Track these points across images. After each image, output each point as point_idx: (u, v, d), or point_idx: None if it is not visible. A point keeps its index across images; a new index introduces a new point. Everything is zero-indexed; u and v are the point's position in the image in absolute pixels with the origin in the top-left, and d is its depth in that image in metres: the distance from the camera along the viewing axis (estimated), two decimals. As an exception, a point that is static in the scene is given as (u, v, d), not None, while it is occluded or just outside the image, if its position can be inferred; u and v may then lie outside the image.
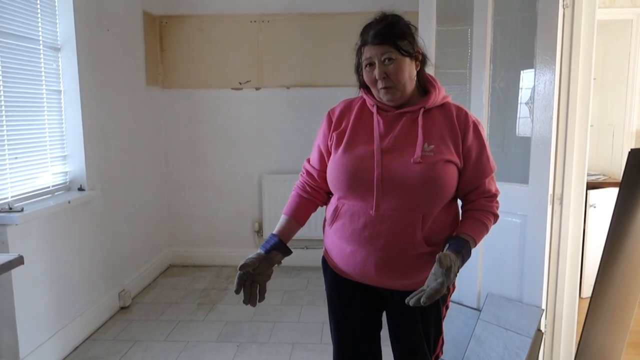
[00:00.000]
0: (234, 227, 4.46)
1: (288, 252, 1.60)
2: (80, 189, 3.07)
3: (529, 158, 2.53)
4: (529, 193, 2.50)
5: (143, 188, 3.98)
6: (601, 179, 3.67)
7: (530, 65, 2.60)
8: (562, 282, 2.51)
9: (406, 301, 1.31)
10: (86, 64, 3.09)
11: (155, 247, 4.22)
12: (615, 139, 3.82)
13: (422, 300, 1.28)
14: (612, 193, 3.42)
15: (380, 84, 1.47)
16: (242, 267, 1.49)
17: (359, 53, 1.52)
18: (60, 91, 3.00)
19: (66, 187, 3.06)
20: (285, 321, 3.30)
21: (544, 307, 2.48)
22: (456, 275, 1.36)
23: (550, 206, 2.45)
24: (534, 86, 2.50)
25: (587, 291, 3.37)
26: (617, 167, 3.80)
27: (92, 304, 3.16)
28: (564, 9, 2.34)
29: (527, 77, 2.73)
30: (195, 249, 4.49)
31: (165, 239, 4.44)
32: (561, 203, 2.46)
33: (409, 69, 1.48)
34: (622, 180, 1.54)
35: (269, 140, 4.36)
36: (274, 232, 1.62)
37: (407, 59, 1.47)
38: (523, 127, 2.79)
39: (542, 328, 2.48)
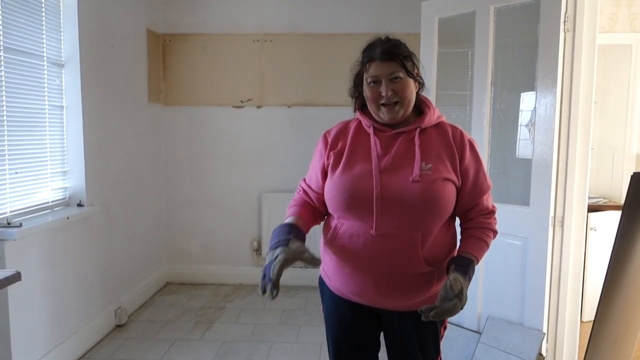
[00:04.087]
0: (233, 245, 4.43)
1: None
2: (80, 205, 3.06)
3: (529, 180, 2.53)
4: (530, 215, 2.49)
5: (142, 204, 3.97)
6: (601, 202, 3.66)
7: (530, 87, 2.61)
8: (564, 305, 2.49)
9: (418, 309, 1.31)
10: (89, 80, 3.10)
11: (153, 264, 4.19)
12: (615, 162, 3.83)
13: (431, 314, 1.29)
14: (613, 216, 3.41)
15: (384, 101, 1.47)
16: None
17: (362, 69, 1.53)
18: (62, 107, 3.01)
19: (65, 203, 3.05)
20: (282, 342, 3.26)
21: (545, 330, 2.46)
22: (467, 296, 1.36)
23: (552, 229, 2.44)
24: (535, 109, 2.51)
25: (588, 315, 3.34)
26: (618, 190, 3.79)
27: (88, 321, 3.13)
28: (565, 33, 2.37)
29: (527, 100, 2.74)
30: (193, 267, 4.45)
31: (164, 256, 4.42)
32: (562, 226, 2.46)
33: (412, 90, 1.50)
34: (624, 204, 1.53)
35: (269, 159, 4.36)
36: (290, 221, 1.52)
37: (411, 80, 1.49)
38: (523, 149, 2.80)
39: (544, 352, 2.45)
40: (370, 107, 1.53)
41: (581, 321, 2.65)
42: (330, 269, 1.61)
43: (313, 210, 1.64)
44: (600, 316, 1.57)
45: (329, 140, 1.61)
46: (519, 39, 2.73)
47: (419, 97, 1.57)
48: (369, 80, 1.50)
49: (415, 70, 1.52)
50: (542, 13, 2.42)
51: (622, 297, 1.62)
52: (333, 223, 1.57)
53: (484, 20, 2.65)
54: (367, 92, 1.51)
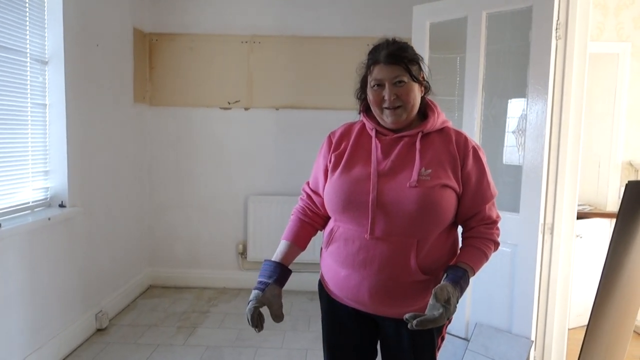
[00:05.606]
0: (218, 249, 4.37)
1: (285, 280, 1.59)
2: (61, 206, 2.98)
3: (518, 186, 2.53)
4: (520, 222, 2.49)
5: (125, 206, 3.89)
6: (587, 209, 3.68)
7: (520, 94, 2.62)
8: (552, 312, 2.49)
9: (404, 317, 1.28)
10: (73, 79, 3.03)
11: (136, 267, 4.11)
12: (601, 170, 3.86)
13: (414, 323, 1.25)
14: (599, 224, 3.43)
15: (387, 104, 1.45)
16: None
17: (367, 72, 1.50)
18: (45, 105, 2.93)
19: (46, 203, 2.97)
20: (267, 347, 3.22)
21: (533, 338, 2.45)
22: (456, 307, 1.33)
23: (541, 235, 2.44)
24: (526, 115, 2.51)
25: (573, 322, 3.35)
26: (603, 197, 3.82)
27: (68, 325, 3.04)
28: (556, 40, 2.37)
29: (515, 106, 2.75)
30: (177, 270, 4.38)
31: (146, 259, 4.34)
32: (552, 233, 2.46)
33: (416, 94, 1.48)
34: (618, 212, 1.53)
35: (256, 161, 4.31)
36: (278, 259, 1.58)
37: (416, 85, 1.47)
38: (510, 155, 2.80)
39: (532, 360, 2.44)
40: (374, 110, 1.50)
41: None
42: (327, 272, 1.59)
43: (312, 223, 1.64)
44: (593, 323, 1.56)
45: (333, 141, 1.59)
46: (510, 45, 2.73)
47: (424, 101, 1.55)
48: (372, 83, 1.47)
49: (421, 74, 1.49)
50: (534, 20, 2.42)
51: (614, 305, 1.61)
52: (331, 225, 1.56)
53: (476, 25, 2.65)
54: (370, 95, 1.49)
